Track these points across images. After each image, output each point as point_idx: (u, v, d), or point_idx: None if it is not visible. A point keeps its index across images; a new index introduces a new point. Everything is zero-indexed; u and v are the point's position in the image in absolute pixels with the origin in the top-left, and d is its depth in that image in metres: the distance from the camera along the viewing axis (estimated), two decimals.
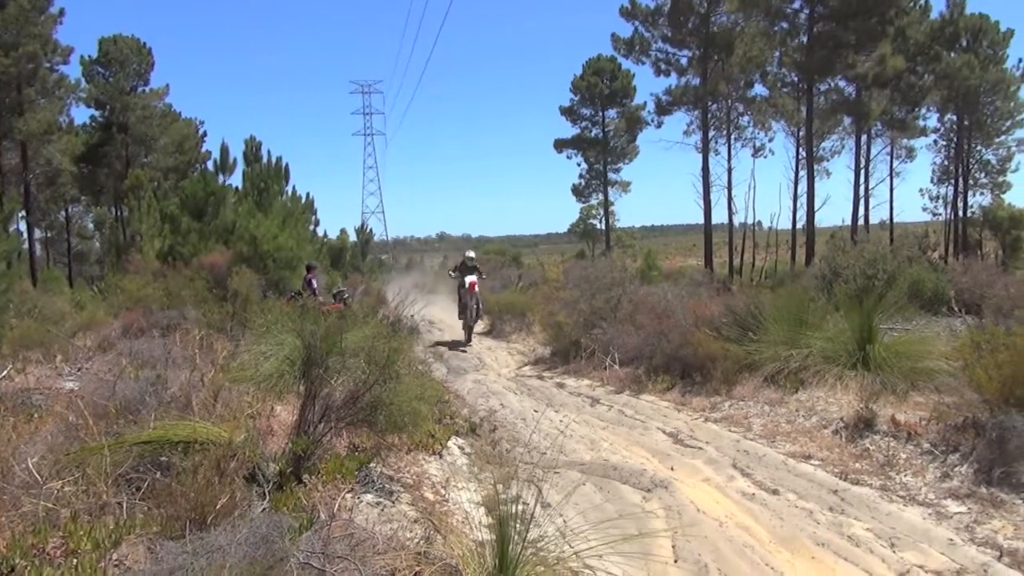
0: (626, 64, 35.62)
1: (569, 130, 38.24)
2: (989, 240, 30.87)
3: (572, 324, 10.65)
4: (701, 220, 32.32)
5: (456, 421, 6.67)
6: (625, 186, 38.70)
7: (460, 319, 13.84)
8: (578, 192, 39.18)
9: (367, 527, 3.47)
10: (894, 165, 33.57)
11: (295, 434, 4.28)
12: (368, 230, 48.04)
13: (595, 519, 4.26)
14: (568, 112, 37.94)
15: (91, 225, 38.98)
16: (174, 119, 33.76)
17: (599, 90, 36.98)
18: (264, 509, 3.48)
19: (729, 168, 32.57)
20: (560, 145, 38.31)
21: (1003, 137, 32.50)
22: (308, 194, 23.11)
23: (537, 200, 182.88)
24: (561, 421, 7.23)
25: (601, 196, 38.57)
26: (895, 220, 33.35)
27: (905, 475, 4.94)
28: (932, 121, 32.96)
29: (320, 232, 30.59)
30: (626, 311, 10.13)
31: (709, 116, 32.05)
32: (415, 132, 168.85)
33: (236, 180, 17.70)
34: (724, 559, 3.97)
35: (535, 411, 7.66)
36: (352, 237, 43.30)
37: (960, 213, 32.17)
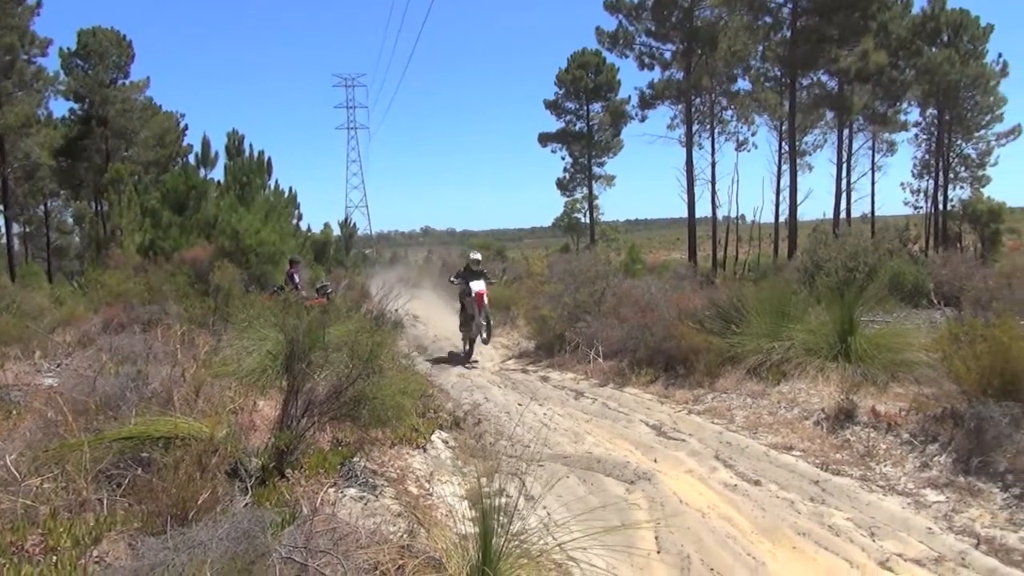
0: (610, 58, 35.72)
1: (554, 124, 38.26)
2: (968, 233, 31.31)
3: (556, 318, 10.67)
4: (685, 214, 32.62)
5: (440, 415, 6.66)
6: (609, 180, 38.78)
7: (461, 331, 11.83)
8: (562, 186, 39.18)
9: (350, 521, 3.45)
10: (876, 159, 33.93)
11: (278, 429, 4.25)
12: (352, 224, 48.03)
13: (578, 511, 4.27)
14: (553, 106, 37.89)
15: (71, 220, 38.41)
16: (155, 112, 33.33)
17: (584, 84, 36.93)
18: (246, 504, 3.47)
19: (713, 162, 32.88)
20: (545, 139, 38.28)
21: (983, 131, 32.88)
22: (291, 188, 23.07)
23: (522, 194, 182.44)
24: (545, 414, 7.25)
25: (585, 190, 38.59)
26: (876, 213, 33.68)
27: (885, 465, 5.00)
28: (913, 115, 33.28)
29: (303, 226, 30.36)
30: (610, 304, 10.15)
31: (693, 110, 32.24)
32: (399, 126, 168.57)
33: (218, 174, 17.47)
34: (707, 550, 4.00)
35: (519, 404, 7.67)
36: (336, 231, 43.23)
37: (940, 207, 32.51)
